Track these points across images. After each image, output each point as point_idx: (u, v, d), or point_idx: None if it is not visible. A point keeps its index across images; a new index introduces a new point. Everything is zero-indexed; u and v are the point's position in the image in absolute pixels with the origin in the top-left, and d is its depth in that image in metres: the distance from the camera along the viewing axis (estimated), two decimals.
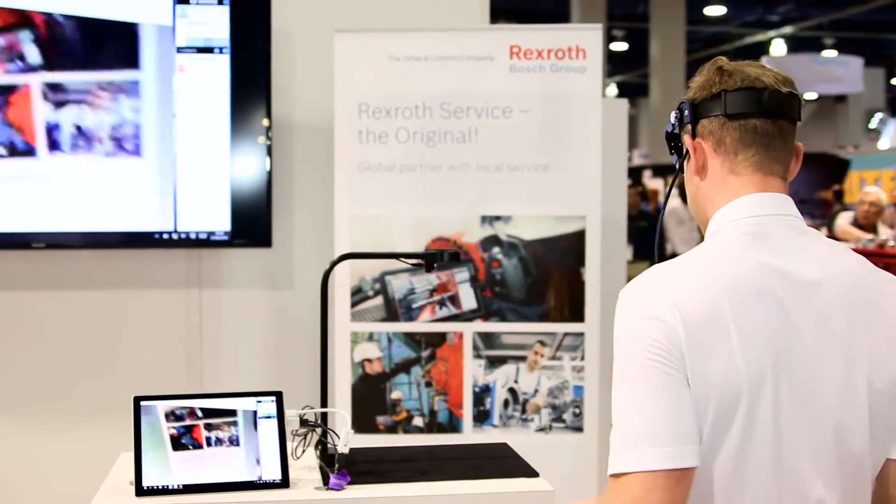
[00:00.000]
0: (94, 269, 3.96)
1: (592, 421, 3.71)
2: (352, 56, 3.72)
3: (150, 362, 4.00)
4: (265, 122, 3.81)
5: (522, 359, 3.73)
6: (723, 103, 1.54)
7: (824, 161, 13.87)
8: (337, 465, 2.19)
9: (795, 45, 21.79)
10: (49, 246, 3.74)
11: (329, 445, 2.28)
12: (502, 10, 17.52)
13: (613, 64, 24.19)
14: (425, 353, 3.73)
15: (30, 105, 3.62)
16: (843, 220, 8.30)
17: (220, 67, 3.77)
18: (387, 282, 3.73)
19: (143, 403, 2.18)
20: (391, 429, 3.72)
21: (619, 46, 22.36)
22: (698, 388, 1.40)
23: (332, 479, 2.16)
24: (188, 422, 2.18)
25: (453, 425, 3.73)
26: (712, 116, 1.56)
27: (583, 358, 3.72)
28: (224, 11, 3.75)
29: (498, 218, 3.73)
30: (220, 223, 3.79)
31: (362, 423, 3.67)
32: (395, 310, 3.73)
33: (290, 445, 2.25)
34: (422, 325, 3.73)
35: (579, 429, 3.72)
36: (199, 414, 2.18)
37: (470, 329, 3.73)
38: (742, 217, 1.53)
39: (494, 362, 3.73)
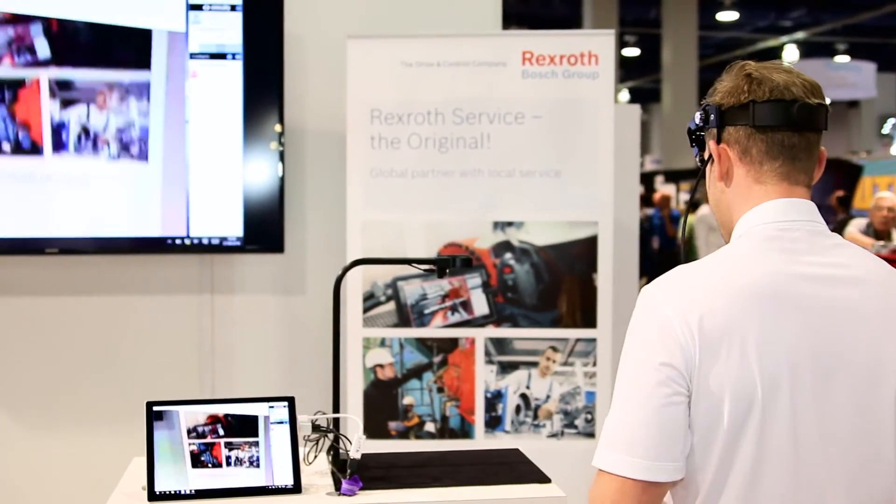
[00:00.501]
0: (107, 275, 3.97)
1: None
2: (364, 62, 3.73)
3: (162, 367, 4.00)
4: (278, 127, 3.82)
5: (534, 364, 3.72)
6: (751, 114, 1.52)
7: (837, 167, 13.83)
8: (349, 471, 2.19)
9: (808, 50, 21.75)
10: (62, 251, 3.75)
11: (341, 451, 2.28)
12: (514, 15, 17.56)
13: (626, 69, 24.20)
14: (437, 359, 3.73)
15: (38, 101, 3.62)
16: (853, 228, 8.25)
17: (232, 73, 3.78)
18: (399, 287, 3.73)
19: (157, 409, 2.19)
20: (403, 434, 3.72)
21: (632, 52, 22.36)
22: (710, 394, 1.40)
23: (344, 485, 2.16)
24: (209, 439, 2.18)
25: (465, 431, 3.73)
26: (739, 125, 1.54)
27: (595, 364, 3.71)
28: (237, 17, 3.76)
29: (510, 223, 3.73)
30: (233, 229, 3.80)
31: (374, 428, 3.67)
32: (408, 315, 3.73)
33: (302, 451, 2.25)
34: (434, 331, 3.73)
35: (591, 435, 3.71)
36: (221, 432, 2.18)
37: (482, 335, 3.73)
38: (766, 222, 1.52)
39: (506, 368, 3.73)
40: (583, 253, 3.72)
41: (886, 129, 23.08)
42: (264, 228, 3.83)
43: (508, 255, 3.73)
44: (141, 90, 3.70)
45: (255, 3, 3.77)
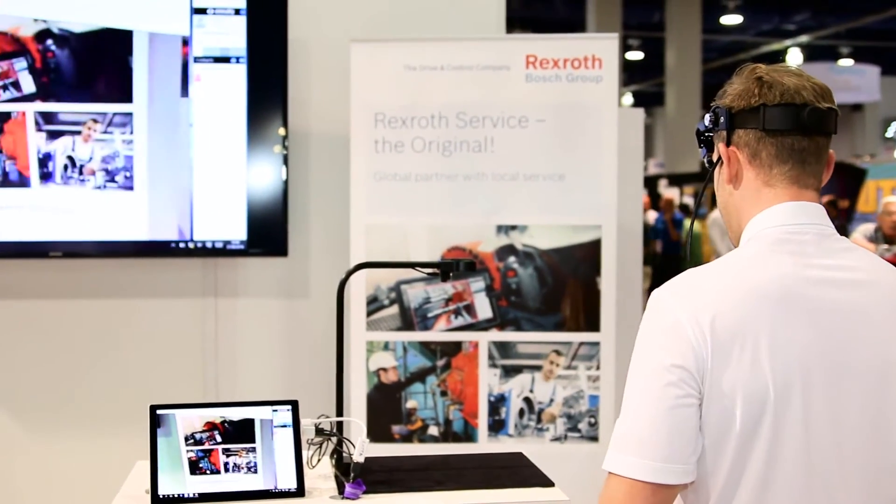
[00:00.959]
0: (111, 278, 3.98)
1: (608, 431, 3.69)
2: (368, 65, 3.73)
3: (165, 371, 4.01)
4: (281, 131, 3.82)
5: (538, 368, 3.72)
6: (761, 118, 1.52)
7: (841, 170, 13.82)
8: (352, 474, 2.19)
9: (812, 53, 21.71)
10: (66, 255, 3.76)
11: (344, 454, 2.28)
12: (518, 19, 17.57)
13: (629, 73, 24.17)
14: (440, 363, 3.73)
15: (24, 134, 3.63)
16: (859, 234, 8.23)
17: (236, 77, 3.78)
18: (402, 291, 3.73)
19: (160, 413, 2.19)
20: (406, 438, 3.72)
21: (635, 55, 22.34)
22: (722, 396, 1.40)
23: (348, 488, 2.16)
24: (207, 446, 2.18)
25: (468, 434, 3.72)
26: (749, 129, 1.54)
27: (598, 367, 3.71)
28: (241, 21, 3.77)
29: (514, 227, 3.73)
30: (237, 232, 3.80)
31: (377, 432, 3.67)
32: (411, 319, 3.73)
33: (305, 454, 2.25)
34: (437, 335, 3.73)
35: (595, 438, 3.71)
36: (219, 438, 2.18)
37: (485, 338, 3.73)
38: (775, 225, 1.52)
39: (510, 371, 3.72)
40: (586, 256, 3.72)
41: (890, 133, 23.05)
42: (268, 232, 3.83)
43: (512, 259, 3.73)
44: (125, 120, 3.69)
45: (259, 7, 3.78)
